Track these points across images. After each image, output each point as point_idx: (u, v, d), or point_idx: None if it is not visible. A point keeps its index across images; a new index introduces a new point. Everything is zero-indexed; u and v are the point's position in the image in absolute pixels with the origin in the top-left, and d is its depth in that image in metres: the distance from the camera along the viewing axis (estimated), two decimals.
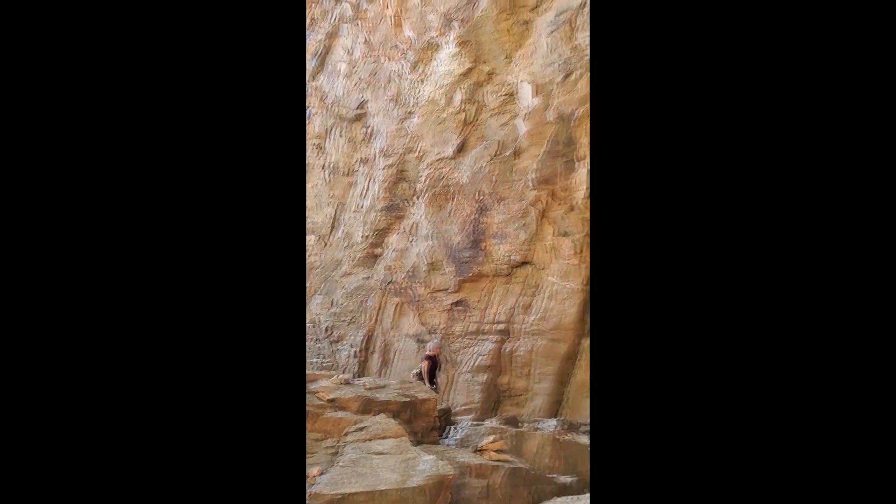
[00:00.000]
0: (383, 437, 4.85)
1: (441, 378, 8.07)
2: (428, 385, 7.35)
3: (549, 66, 8.66)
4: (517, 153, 8.87)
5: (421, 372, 7.47)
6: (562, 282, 8.29)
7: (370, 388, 6.21)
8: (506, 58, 9.11)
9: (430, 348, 8.02)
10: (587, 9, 8.27)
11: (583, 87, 8.24)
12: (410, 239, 9.67)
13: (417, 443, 5.45)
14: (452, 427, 6.50)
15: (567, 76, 8.42)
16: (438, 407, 6.64)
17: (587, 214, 8.27)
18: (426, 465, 4.44)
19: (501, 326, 8.56)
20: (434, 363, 7.59)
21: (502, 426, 6.16)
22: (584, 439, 5.97)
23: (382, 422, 5.12)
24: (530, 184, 8.68)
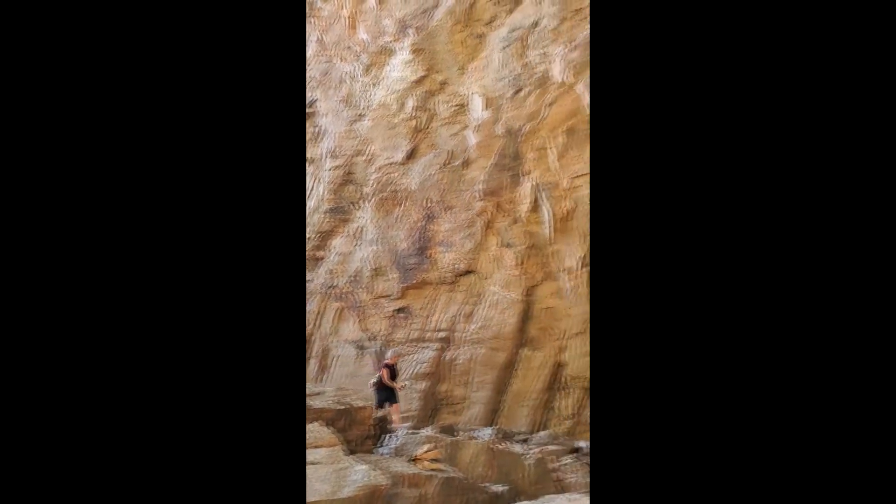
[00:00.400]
0: (316, 447, 4.72)
1: (407, 389, 7.87)
2: (382, 395, 7.17)
3: (500, 81, 8.86)
4: (466, 164, 8.98)
5: (380, 380, 7.28)
6: (503, 291, 8.45)
7: (305, 395, 6.02)
8: (459, 69, 9.22)
9: (388, 356, 7.89)
10: (538, 28, 8.56)
11: (531, 103, 8.49)
12: (355, 243, 9.53)
13: (351, 452, 5.34)
14: (388, 436, 6.43)
15: (517, 92, 8.64)
16: (376, 415, 6.54)
17: (530, 227, 8.51)
18: (359, 475, 4.36)
19: (443, 334, 8.59)
20: (392, 372, 7.43)
21: (438, 435, 6.17)
22: (518, 448, 6.09)
23: (315, 430, 4.98)
24: (477, 194, 8.80)
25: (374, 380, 7.49)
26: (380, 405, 7.02)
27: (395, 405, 7.11)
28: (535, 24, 8.54)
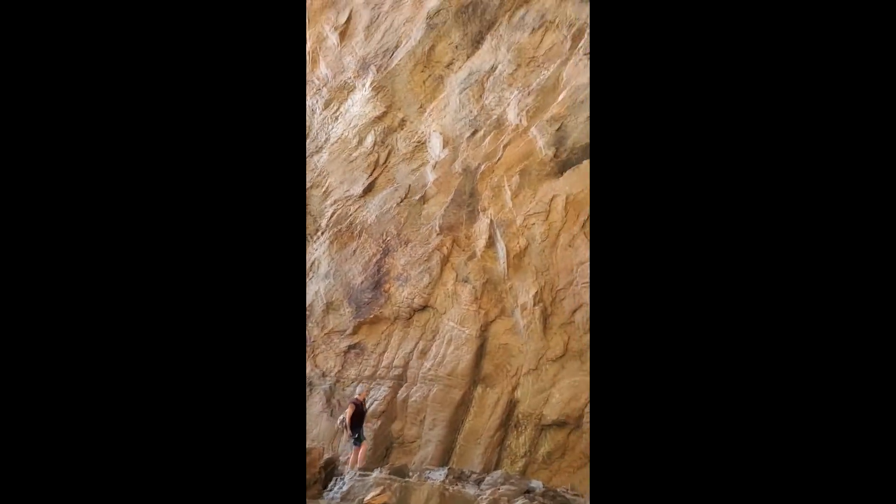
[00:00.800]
0: None
1: (365, 428, 7.46)
2: (349, 434, 6.86)
3: (458, 122, 9.12)
4: (424, 199, 9.08)
5: (349, 417, 6.93)
6: (459, 328, 8.42)
7: None
8: (419, 108, 9.44)
9: (357, 392, 7.59)
10: (495, 73, 8.93)
11: (488, 144, 8.76)
12: (309, 276, 9.32)
13: None
14: (338, 478, 6.14)
15: (474, 133, 8.91)
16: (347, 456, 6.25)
17: (486, 263, 8.61)
18: None
19: (397, 371, 8.41)
20: (360, 410, 7.08)
21: (390, 477, 5.94)
22: (471, 490, 5.95)
23: None
24: (436, 229, 8.88)
25: (340, 417, 7.19)
26: (356, 442, 6.81)
27: (360, 446, 6.86)
28: (493, 69, 8.92)
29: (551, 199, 7.99)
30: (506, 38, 8.86)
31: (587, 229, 7.89)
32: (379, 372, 8.47)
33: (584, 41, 8.22)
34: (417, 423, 8.19)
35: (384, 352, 8.54)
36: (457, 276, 8.70)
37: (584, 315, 7.49)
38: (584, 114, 8.02)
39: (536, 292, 8.19)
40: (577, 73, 8.13)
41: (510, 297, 8.30)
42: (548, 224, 8.00)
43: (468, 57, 9.10)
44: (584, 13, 8.32)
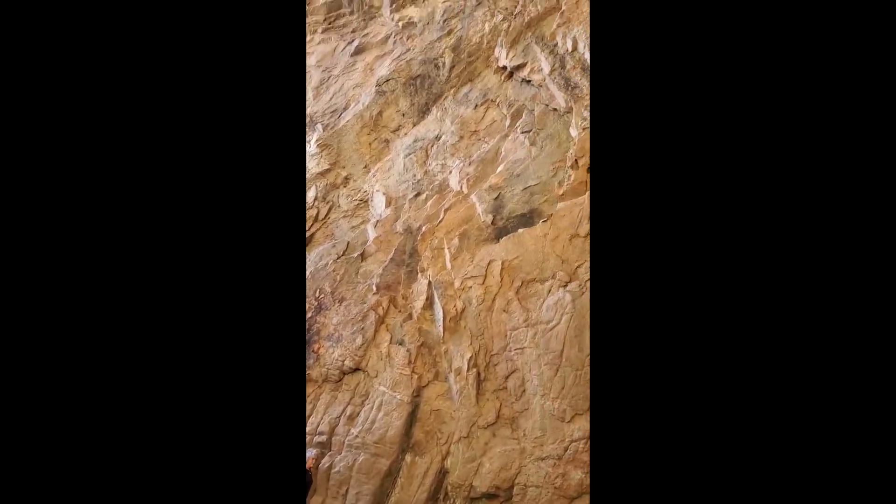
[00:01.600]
0: None
1: (312, 501, 6.75)
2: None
3: (402, 183, 9.34)
4: (364, 256, 9.00)
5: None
6: (391, 392, 8.10)
7: None
8: (364, 167, 9.62)
9: (309, 455, 6.93)
10: (440, 142, 9.36)
11: (430, 206, 8.98)
12: None
13: None
14: None
15: (418, 195, 9.14)
16: None
17: (422, 325, 8.51)
18: None
19: (322, 438, 7.85)
20: (307, 477, 6.42)
21: None
22: None
23: None
24: (373, 288, 8.74)
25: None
26: None
27: None
28: (437, 137, 9.35)
29: (488, 264, 8.18)
30: (451, 110, 9.40)
31: (521, 294, 8.08)
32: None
33: (522, 120, 8.88)
34: (340, 496, 7.56)
35: (310, 416, 8.00)
36: (391, 337, 8.50)
37: (515, 381, 7.49)
38: (521, 185, 8.49)
39: (471, 356, 8.12)
40: (515, 149, 8.68)
41: (445, 360, 8.17)
42: (484, 288, 8.13)
43: (414, 125, 9.52)
44: (524, 95, 9.05)
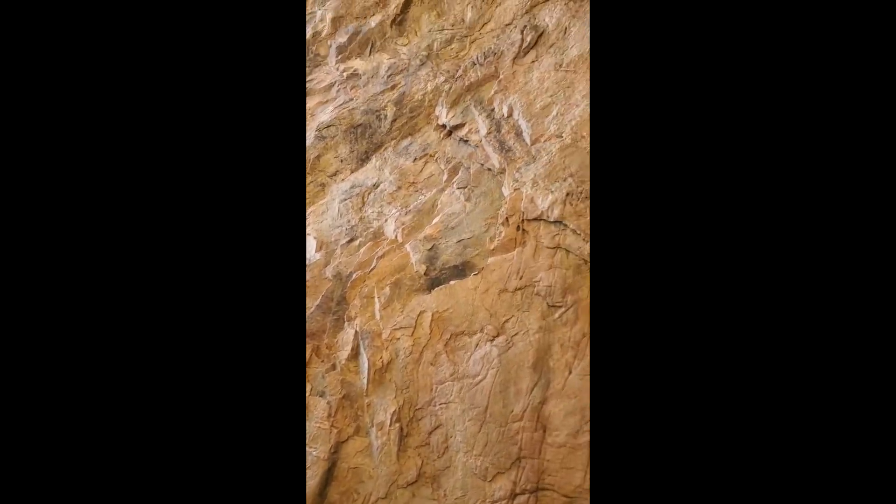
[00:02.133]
0: None
1: None
2: None
3: (336, 228, 9.22)
4: None
5: None
6: (308, 447, 7.57)
7: None
8: None
9: None
10: (378, 189, 9.44)
11: (363, 253, 8.88)
12: None
13: None
14: None
15: (351, 241, 9.02)
16: None
17: (346, 376, 8.16)
18: None
19: None
20: None
21: None
22: None
23: None
24: None
25: None
26: None
27: None
28: (376, 185, 9.41)
29: (419, 315, 8.10)
30: (391, 160, 9.56)
31: (450, 346, 8.04)
32: None
33: (458, 176, 9.19)
34: None
35: None
36: (311, 388, 8.05)
37: (439, 437, 7.28)
38: (455, 238, 8.66)
39: (395, 410, 7.82)
40: (451, 202, 8.91)
41: (367, 414, 7.80)
42: (413, 339, 8.00)
43: (352, 171, 9.55)
44: (461, 153, 9.43)
